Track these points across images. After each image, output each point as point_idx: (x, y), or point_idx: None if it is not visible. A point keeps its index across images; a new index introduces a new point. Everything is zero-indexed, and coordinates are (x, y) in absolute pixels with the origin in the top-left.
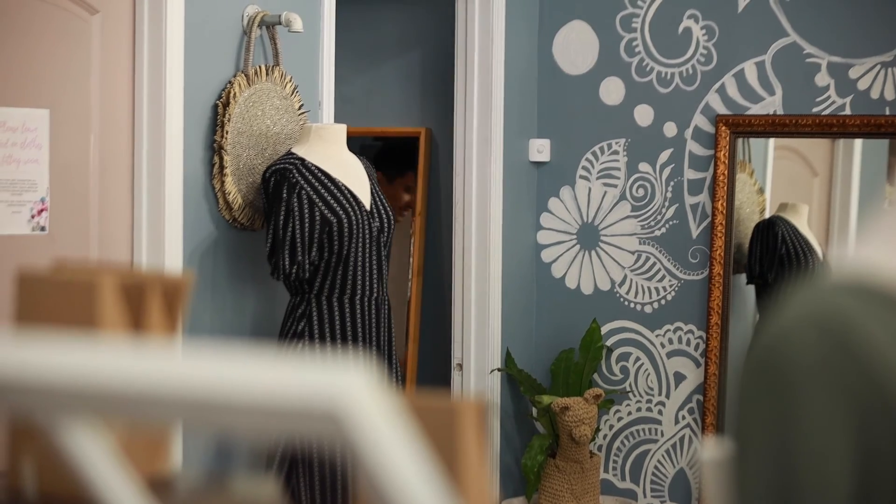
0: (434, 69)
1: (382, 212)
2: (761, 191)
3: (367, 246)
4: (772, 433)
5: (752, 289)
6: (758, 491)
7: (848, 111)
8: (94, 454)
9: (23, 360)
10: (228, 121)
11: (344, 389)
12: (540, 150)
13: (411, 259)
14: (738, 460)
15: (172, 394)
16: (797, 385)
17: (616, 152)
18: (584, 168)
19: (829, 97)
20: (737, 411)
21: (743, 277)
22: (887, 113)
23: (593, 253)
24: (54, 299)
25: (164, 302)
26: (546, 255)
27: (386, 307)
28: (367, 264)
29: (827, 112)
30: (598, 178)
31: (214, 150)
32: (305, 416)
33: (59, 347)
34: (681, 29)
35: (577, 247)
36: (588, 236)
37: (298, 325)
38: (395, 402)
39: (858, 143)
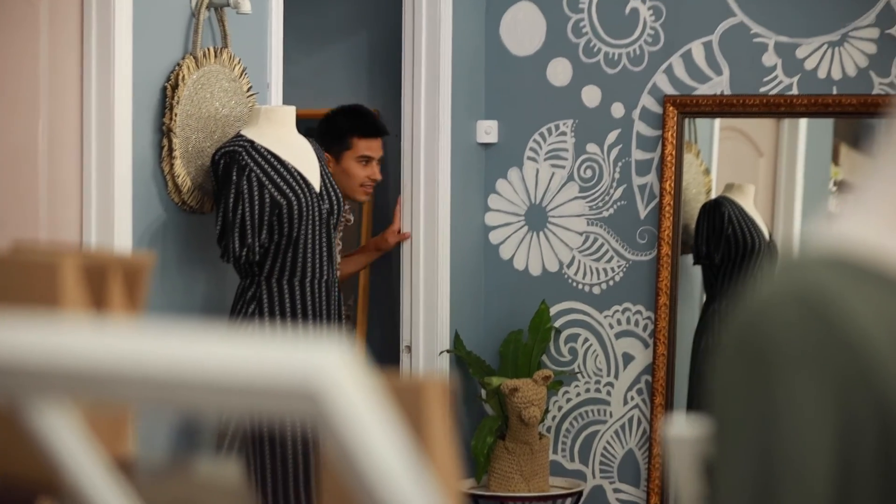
0: (381, 51)
1: (332, 194)
2: (707, 171)
3: (317, 228)
4: (752, 410)
5: (699, 269)
6: (738, 470)
7: (795, 91)
8: (65, 435)
9: None
10: (177, 103)
11: (322, 367)
12: (487, 131)
13: (360, 241)
14: (717, 438)
15: (147, 373)
16: (777, 362)
17: (564, 133)
18: (532, 149)
19: (776, 77)
20: (714, 389)
21: (690, 258)
22: (834, 92)
23: (541, 234)
24: (14, 281)
25: (125, 283)
26: (494, 237)
27: (336, 289)
28: (318, 246)
29: (774, 92)
30: (545, 160)
31: (163, 132)
32: (282, 395)
33: (32, 328)
34: (628, 9)
35: (525, 228)
36: (536, 218)
37: (248, 308)
38: (371, 380)
39: (804, 123)
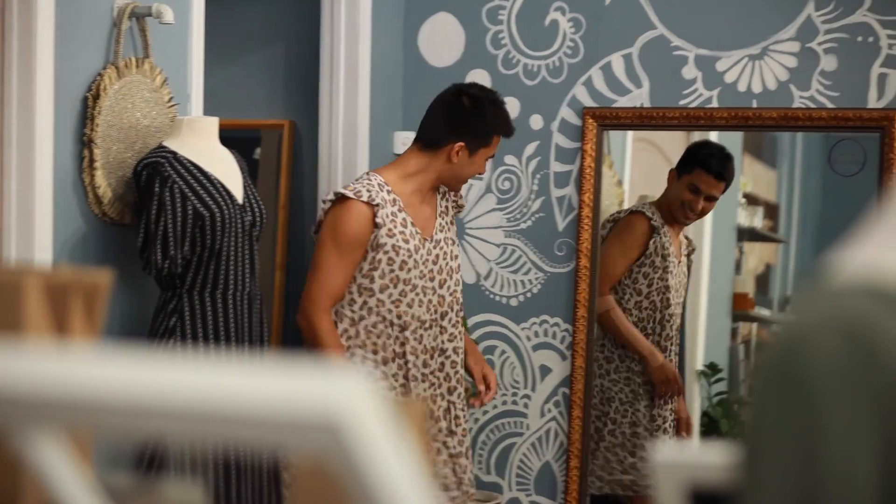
0: (298, 61)
1: (255, 206)
2: (620, 183)
3: (240, 240)
4: (794, 441)
5: None
6: (780, 499)
7: (715, 104)
8: (60, 464)
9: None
10: (98, 114)
11: (343, 401)
12: (405, 142)
13: (275, 253)
14: (752, 468)
15: (166, 405)
16: (821, 392)
17: None
18: None
19: (696, 90)
20: (751, 416)
21: None
22: (754, 106)
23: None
24: None
25: (84, 303)
26: None
27: (258, 302)
28: (240, 259)
29: (694, 105)
30: None
31: (84, 143)
32: (300, 428)
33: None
34: (547, 21)
35: None
36: None
37: (170, 321)
38: (390, 413)
39: (714, 135)
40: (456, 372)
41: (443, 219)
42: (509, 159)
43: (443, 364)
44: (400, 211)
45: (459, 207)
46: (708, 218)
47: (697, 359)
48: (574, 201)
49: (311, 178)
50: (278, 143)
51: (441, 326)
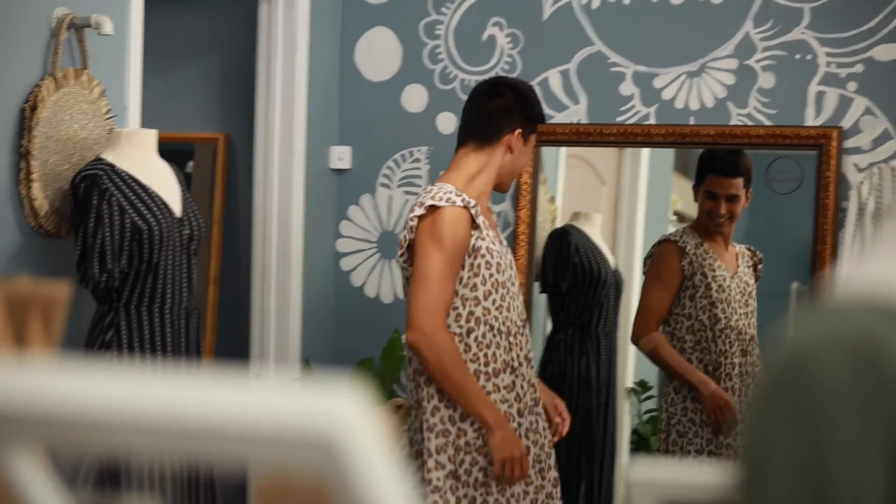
0: (234, 74)
1: (193, 219)
2: (553, 199)
3: (178, 254)
4: (801, 458)
5: (544, 297)
6: None
7: (653, 120)
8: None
9: None
10: (36, 125)
11: (338, 418)
12: (341, 157)
13: (209, 267)
14: (757, 485)
15: (158, 422)
16: (828, 408)
17: (418, 160)
18: (386, 176)
19: (633, 106)
20: (755, 432)
21: (536, 286)
22: (692, 123)
23: (393, 262)
24: None
25: (42, 315)
26: (345, 264)
27: (196, 316)
28: (178, 273)
29: (632, 121)
30: (399, 186)
31: (21, 155)
32: (294, 445)
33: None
34: (485, 37)
35: (378, 255)
36: (388, 245)
37: (106, 335)
38: (383, 430)
39: (645, 152)
40: (536, 382)
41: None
42: None
43: (531, 374)
44: (478, 214)
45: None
46: (640, 234)
47: (627, 376)
48: (510, 217)
49: (246, 192)
50: (213, 156)
51: (526, 334)
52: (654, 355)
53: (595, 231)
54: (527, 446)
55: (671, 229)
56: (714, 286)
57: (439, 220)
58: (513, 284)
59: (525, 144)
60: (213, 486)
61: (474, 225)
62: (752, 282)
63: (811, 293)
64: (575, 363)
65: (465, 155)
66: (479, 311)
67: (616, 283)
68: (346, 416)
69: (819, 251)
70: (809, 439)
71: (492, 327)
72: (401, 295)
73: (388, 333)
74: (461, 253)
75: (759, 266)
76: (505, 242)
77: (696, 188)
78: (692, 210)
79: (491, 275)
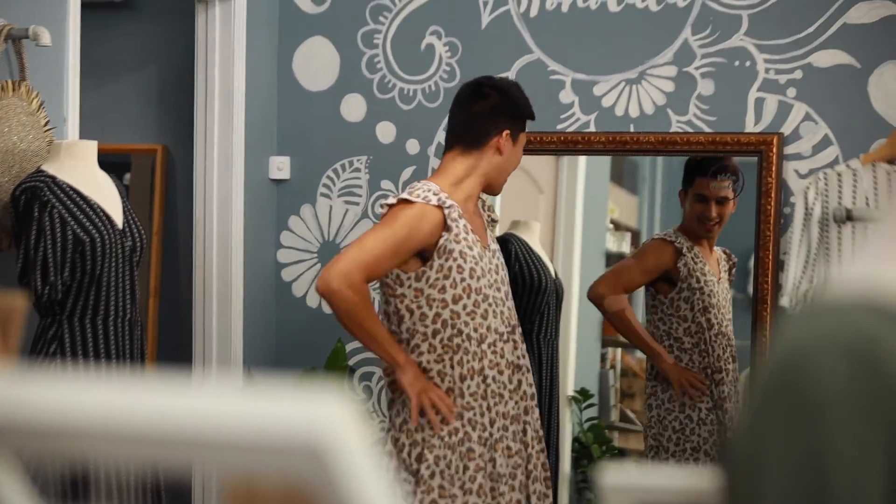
0: (171, 85)
1: (135, 231)
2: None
3: (120, 266)
4: (799, 459)
5: None
6: None
7: (593, 128)
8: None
9: None
10: None
11: (326, 423)
12: (280, 167)
13: (149, 279)
14: (753, 487)
15: (146, 430)
16: (826, 409)
17: (358, 170)
18: (326, 186)
19: (573, 114)
20: (750, 436)
21: None
22: (632, 130)
23: None
24: None
25: (0, 326)
26: (286, 274)
27: (139, 328)
28: (121, 285)
29: (572, 129)
30: (339, 196)
31: None
32: (281, 451)
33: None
34: (423, 45)
35: (318, 265)
36: (329, 255)
37: (49, 348)
38: (369, 435)
39: (583, 160)
40: (532, 390)
41: (490, 230)
42: (385, 184)
43: (519, 381)
44: (460, 217)
45: (494, 222)
46: (577, 243)
47: (568, 384)
48: None
49: (186, 203)
50: (151, 168)
51: (514, 340)
52: (619, 317)
53: (534, 239)
54: (512, 454)
55: (609, 238)
56: (706, 290)
57: (405, 211)
58: (497, 291)
59: (515, 144)
60: (160, 492)
61: (446, 226)
62: (729, 287)
63: (750, 300)
64: None
65: (452, 159)
66: (446, 314)
67: (556, 291)
68: (333, 423)
69: (761, 257)
70: (807, 440)
71: (460, 332)
72: None
73: (331, 343)
74: (414, 245)
75: (733, 270)
76: (494, 248)
77: (682, 192)
78: (629, 219)
79: (463, 279)
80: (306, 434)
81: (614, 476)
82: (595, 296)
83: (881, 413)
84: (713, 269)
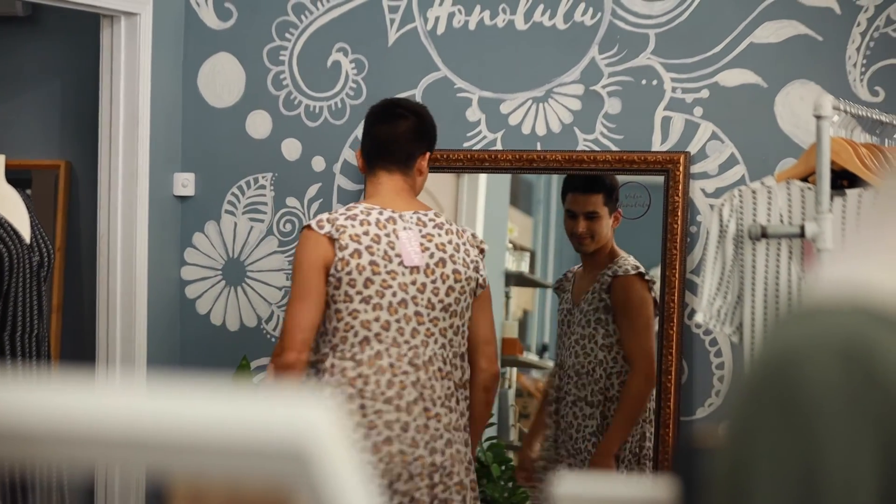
0: (75, 100)
1: (43, 246)
2: None
3: (28, 281)
4: (791, 464)
5: None
6: None
7: (499, 146)
8: None
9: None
10: None
11: (309, 428)
12: (185, 184)
13: (52, 295)
14: (742, 491)
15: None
16: (818, 413)
17: (263, 187)
18: (230, 202)
19: (480, 132)
20: (739, 437)
21: None
22: (539, 148)
23: (239, 289)
24: None
25: None
26: (190, 292)
27: (46, 344)
28: (28, 300)
29: (478, 147)
30: (244, 213)
31: None
32: (264, 456)
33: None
34: (329, 62)
35: (223, 283)
36: (234, 272)
37: None
38: (350, 440)
39: (483, 179)
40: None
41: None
42: (291, 201)
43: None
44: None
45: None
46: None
47: None
48: None
49: (89, 219)
50: (53, 183)
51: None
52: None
53: None
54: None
55: (508, 257)
56: (564, 311)
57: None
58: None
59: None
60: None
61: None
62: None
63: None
64: None
65: (381, 177)
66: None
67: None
68: (314, 426)
69: (668, 276)
70: (799, 441)
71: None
72: (247, 322)
73: (236, 360)
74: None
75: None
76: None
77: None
78: (526, 241)
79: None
80: (287, 437)
81: (567, 485)
82: None
83: (874, 414)
84: (583, 288)
